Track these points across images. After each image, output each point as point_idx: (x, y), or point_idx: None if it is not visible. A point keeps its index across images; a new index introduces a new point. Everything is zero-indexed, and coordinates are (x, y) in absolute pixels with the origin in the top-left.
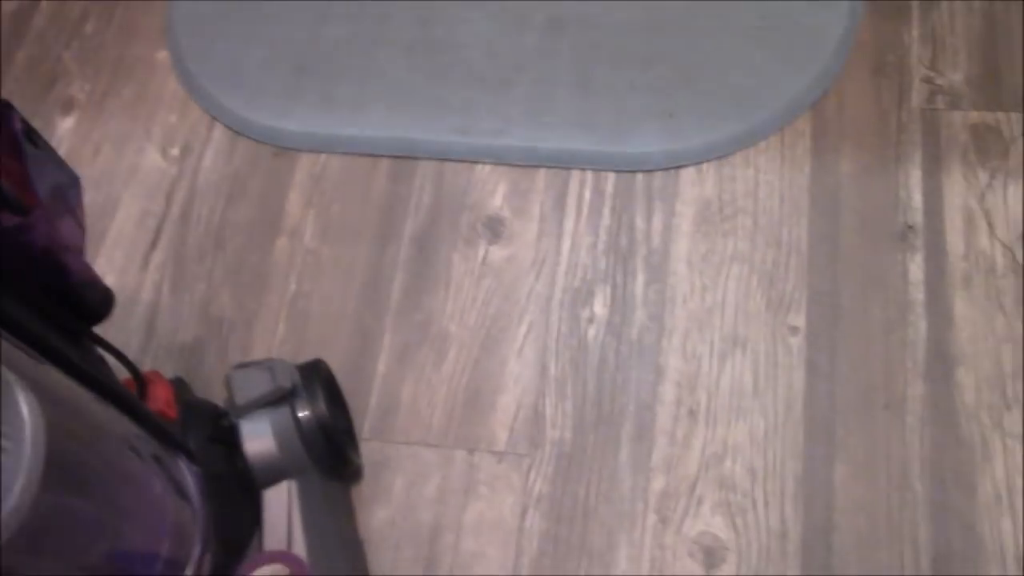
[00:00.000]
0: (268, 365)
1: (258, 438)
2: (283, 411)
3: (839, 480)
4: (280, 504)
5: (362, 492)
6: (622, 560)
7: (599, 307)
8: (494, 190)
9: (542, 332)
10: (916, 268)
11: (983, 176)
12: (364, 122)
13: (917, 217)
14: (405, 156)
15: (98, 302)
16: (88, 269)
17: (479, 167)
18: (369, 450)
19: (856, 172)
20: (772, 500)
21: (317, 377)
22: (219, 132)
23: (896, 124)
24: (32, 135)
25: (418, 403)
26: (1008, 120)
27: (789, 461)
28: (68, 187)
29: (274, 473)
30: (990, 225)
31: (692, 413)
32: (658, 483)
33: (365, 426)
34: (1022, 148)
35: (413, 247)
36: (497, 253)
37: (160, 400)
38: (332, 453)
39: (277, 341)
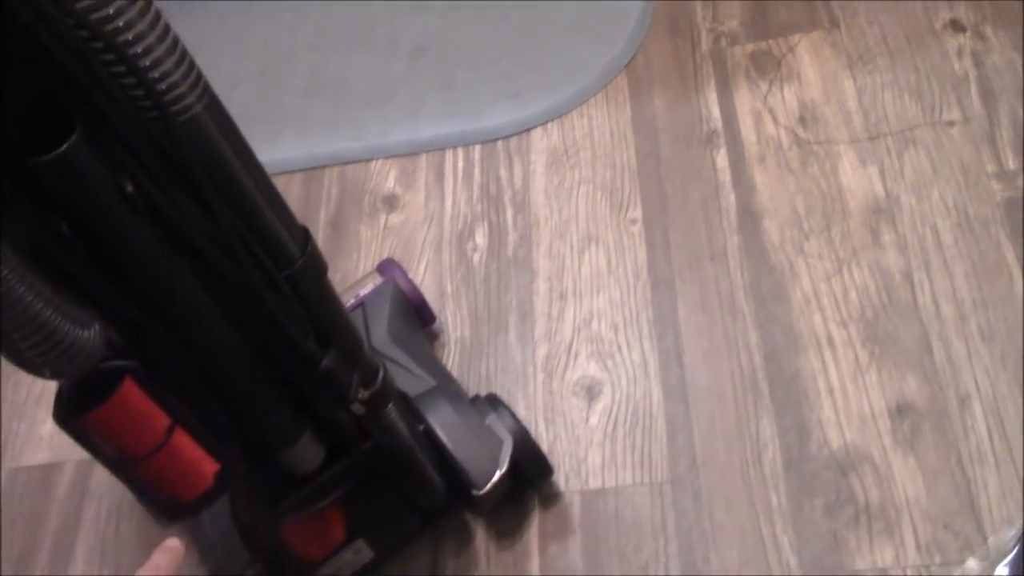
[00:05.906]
0: None
1: None
2: None
3: (682, 316)
4: None
5: None
6: (520, 409)
7: (480, 239)
8: (387, 176)
9: (437, 265)
10: (721, 159)
11: (763, 85)
12: (277, 150)
13: (717, 124)
14: (313, 167)
15: None
16: None
17: (373, 162)
18: None
19: (666, 104)
20: (632, 342)
21: None
22: None
23: (692, 65)
24: None
25: None
26: (777, 44)
27: (641, 312)
28: None
29: None
30: (774, 117)
31: (562, 296)
32: (542, 350)
33: None
34: (790, 61)
35: (328, 228)
36: (395, 219)
37: None
38: None
39: None
